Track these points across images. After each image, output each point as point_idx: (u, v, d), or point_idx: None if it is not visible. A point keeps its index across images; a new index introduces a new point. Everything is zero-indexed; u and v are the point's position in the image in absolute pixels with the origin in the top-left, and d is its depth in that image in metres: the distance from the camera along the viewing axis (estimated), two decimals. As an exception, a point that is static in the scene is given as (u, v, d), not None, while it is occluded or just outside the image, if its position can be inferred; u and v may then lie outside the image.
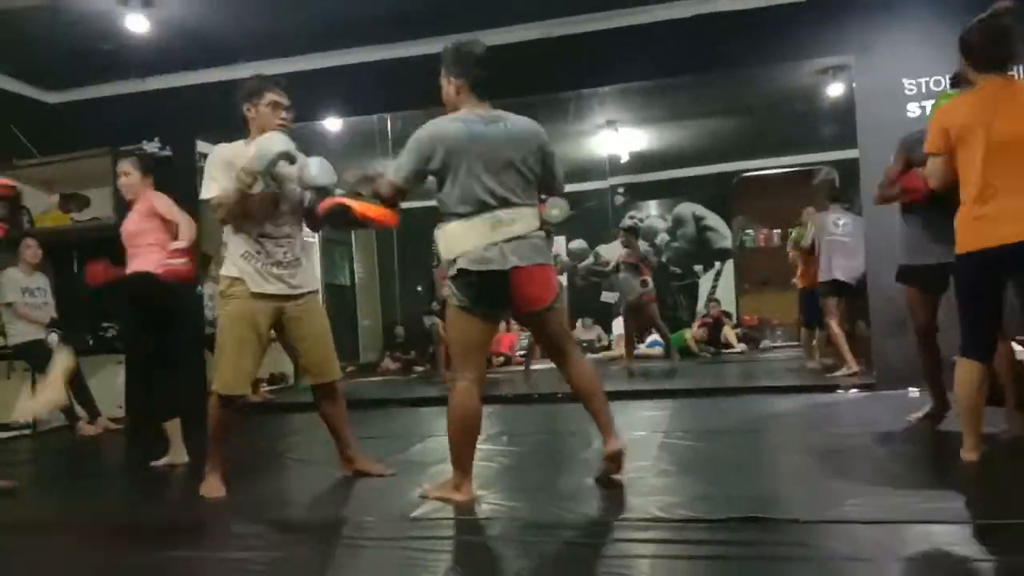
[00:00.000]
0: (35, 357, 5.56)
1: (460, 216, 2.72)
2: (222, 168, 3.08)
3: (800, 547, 2.16)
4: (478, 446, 4.02)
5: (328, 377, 3.34)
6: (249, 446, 4.45)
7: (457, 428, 2.78)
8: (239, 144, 3.18)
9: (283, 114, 3.18)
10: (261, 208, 3.12)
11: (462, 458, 2.80)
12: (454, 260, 2.72)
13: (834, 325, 5.99)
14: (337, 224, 3.15)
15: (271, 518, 2.86)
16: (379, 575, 2.25)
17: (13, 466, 4.66)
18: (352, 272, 10.80)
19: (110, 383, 6.17)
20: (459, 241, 2.72)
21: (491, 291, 2.71)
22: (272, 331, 3.27)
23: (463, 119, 2.75)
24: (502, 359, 9.43)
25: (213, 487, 3.20)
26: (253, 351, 3.16)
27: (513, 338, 9.43)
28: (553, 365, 3.04)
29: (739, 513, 2.41)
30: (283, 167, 2.99)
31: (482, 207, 2.70)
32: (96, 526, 2.96)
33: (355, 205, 2.87)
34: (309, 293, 3.29)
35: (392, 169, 2.78)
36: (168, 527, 2.82)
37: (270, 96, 3.15)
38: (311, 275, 3.36)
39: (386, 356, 9.97)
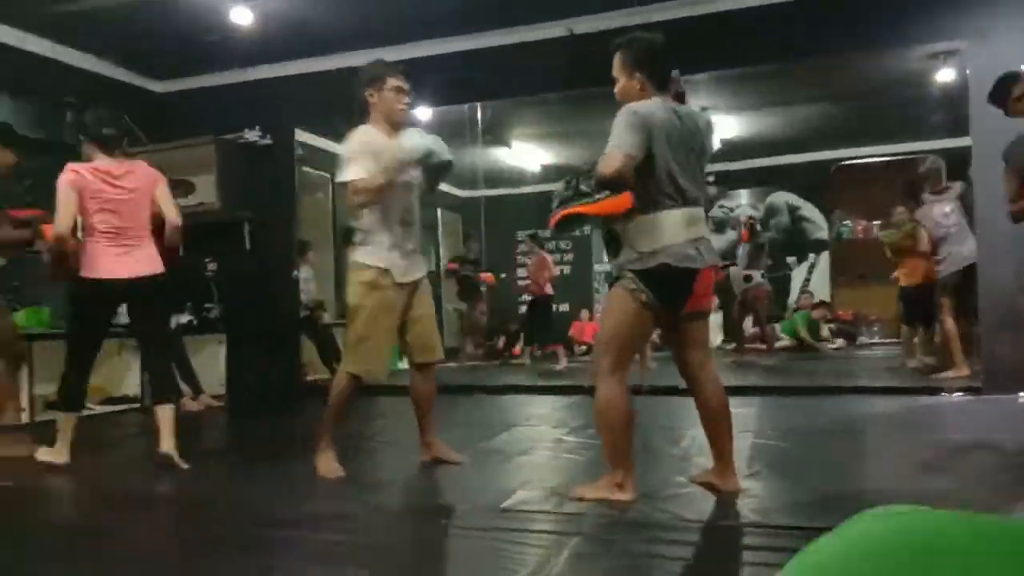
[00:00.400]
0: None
1: (659, 208, 2.62)
2: (363, 153, 3.13)
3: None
4: (566, 438, 4.09)
5: (433, 357, 3.45)
6: (342, 429, 4.57)
7: (615, 424, 2.66)
8: (370, 129, 3.23)
9: (405, 99, 3.26)
10: (399, 198, 3.22)
11: (623, 454, 2.68)
12: (653, 252, 2.60)
13: (950, 322, 5.69)
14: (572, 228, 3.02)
15: (367, 501, 2.93)
16: (469, 564, 2.28)
17: (124, 439, 4.95)
18: (438, 257, 10.94)
19: (213, 362, 6.48)
20: (659, 234, 2.61)
21: (679, 290, 2.64)
22: None
23: (664, 107, 2.65)
24: (585, 348, 9.41)
25: (331, 467, 3.26)
26: (391, 338, 3.31)
27: (598, 328, 9.38)
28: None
29: (836, 522, 2.32)
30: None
31: (681, 201, 2.64)
32: (195, 502, 3.11)
33: (585, 209, 2.72)
34: (422, 277, 3.42)
35: (609, 147, 2.56)
36: (264, 506, 2.94)
37: (393, 81, 3.23)
38: (423, 261, 3.51)
39: (467, 340, 10.07)
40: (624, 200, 2.62)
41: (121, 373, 6.15)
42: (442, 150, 3.18)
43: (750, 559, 2.17)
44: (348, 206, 3.32)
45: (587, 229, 8.71)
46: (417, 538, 2.56)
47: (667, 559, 2.19)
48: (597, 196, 2.67)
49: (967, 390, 5.09)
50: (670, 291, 2.63)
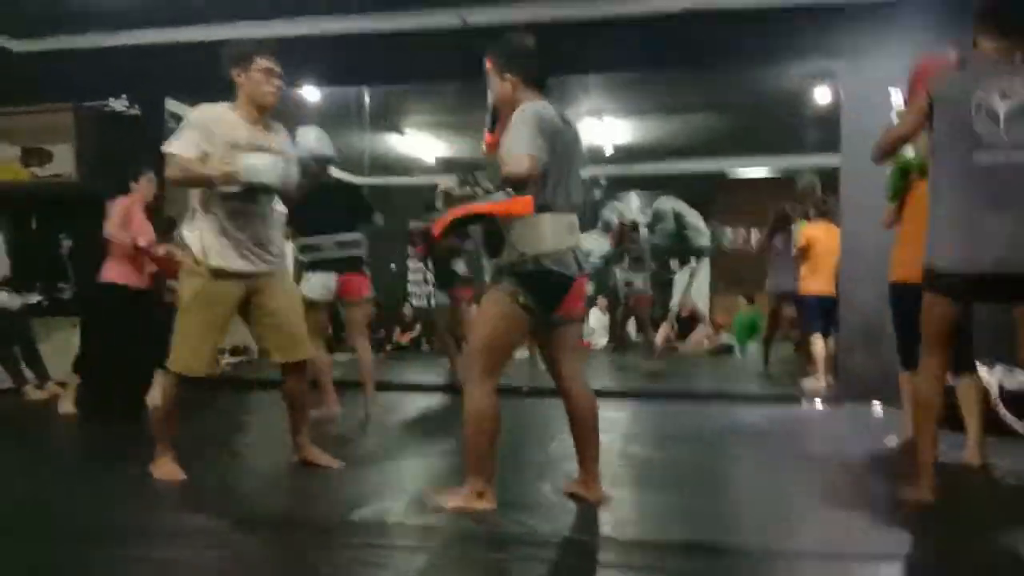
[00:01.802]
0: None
1: (547, 210, 2.54)
2: (200, 131, 2.90)
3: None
4: (428, 435, 3.98)
5: (294, 356, 3.19)
6: (201, 425, 4.30)
7: (480, 432, 2.57)
8: (225, 108, 2.99)
9: (275, 82, 3.00)
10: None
11: (486, 463, 2.60)
12: (536, 256, 2.53)
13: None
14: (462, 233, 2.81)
15: (227, 512, 2.69)
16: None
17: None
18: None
19: (64, 347, 5.99)
20: (545, 237, 2.54)
21: (556, 295, 2.58)
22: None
23: (554, 111, 2.60)
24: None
25: (169, 469, 3.05)
26: (218, 332, 3.06)
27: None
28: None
29: (691, 536, 2.33)
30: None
31: (564, 207, 2.59)
32: (22, 512, 2.80)
33: (492, 208, 2.56)
34: (276, 272, 3.14)
35: (518, 147, 2.47)
36: (108, 520, 2.67)
37: (262, 62, 2.97)
38: (281, 254, 3.21)
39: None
40: (527, 202, 2.52)
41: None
42: (317, 144, 2.99)
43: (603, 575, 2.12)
44: (168, 177, 2.99)
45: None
46: (257, 551, 2.38)
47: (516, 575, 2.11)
48: (500, 196, 2.55)
49: (827, 400, 5.31)
50: (547, 295, 2.58)
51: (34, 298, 5.71)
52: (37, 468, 3.51)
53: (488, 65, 2.71)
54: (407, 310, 10.21)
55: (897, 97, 3.62)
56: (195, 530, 2.47)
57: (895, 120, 3.43)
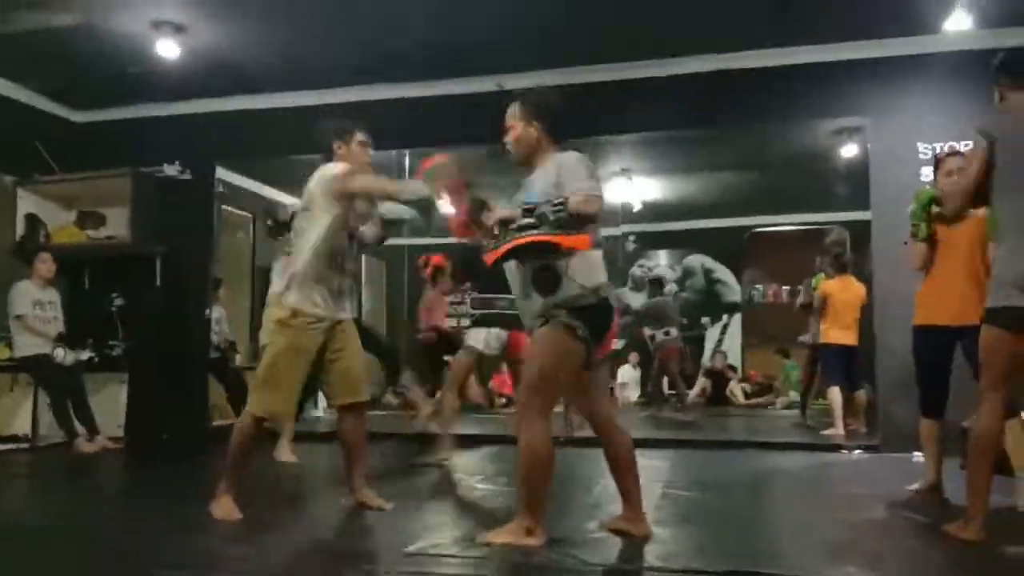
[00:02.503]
0: (40, 370, 5.58)
1: (596, 247, 2.70)
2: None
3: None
4: (475, 485, 4.05)
5: (358, 397, 3.37)
6: (254, 472, 4.40)
7: (535, 467, 2.61)
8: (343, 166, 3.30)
9: (369, 151, 3.41)
10: (341, 237, 3.25)
11: (539, 500, 2.64)
12: (595, 288, 2.65)
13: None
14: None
15: (274, 545, 2.81)
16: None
17: (8, 478, 4.65)
18: (360, 304, 10.81)
19: (112, 401, 6.17)
20: (599, 272, 2.70)
21: (606, 329, 2.72)
22: None
23: None
24: (505, 400, 9.39)
25: (228, 509, 3.16)
26: (303, 380, 3.27)
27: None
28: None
29: (737, 567, 2.37)
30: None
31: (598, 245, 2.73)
32: (88, 543, 2.92)
33: (559, 240, 2.61)
34: (348, 319, 3.38)
35: (590, 187, 2.63)
36: (164, 548, 2.79)
37: (360, 136, 3.38)
38: (351, 301, 3.50)
39: (388, 391, 9.92)
40: (587, 240, 2.64)
41: (12, 410, 5.81)
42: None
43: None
44: (341, 191, 3.21)
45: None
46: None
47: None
48: (564, 231, 2.64)
49: (867, 448, 5.29)
50: (601, 328, 2.68)
51: (86, 354, 5.92)
52: (103, 507, 3.66)
53: (515, 113, 2.83)
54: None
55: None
56: (254, 561, 2.56)
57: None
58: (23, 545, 2.88)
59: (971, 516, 2.76)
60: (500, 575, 2.40)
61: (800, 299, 6.93)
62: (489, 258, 2.75)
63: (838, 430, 5.90)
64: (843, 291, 6.13)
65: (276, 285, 3.32)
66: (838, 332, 6.05)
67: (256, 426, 3.21)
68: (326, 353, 3.29)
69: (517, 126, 2.83)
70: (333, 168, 3.26)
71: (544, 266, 2.66)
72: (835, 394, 6.04)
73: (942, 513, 3.16)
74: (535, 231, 2.64)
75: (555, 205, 2.60)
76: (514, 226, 2.71)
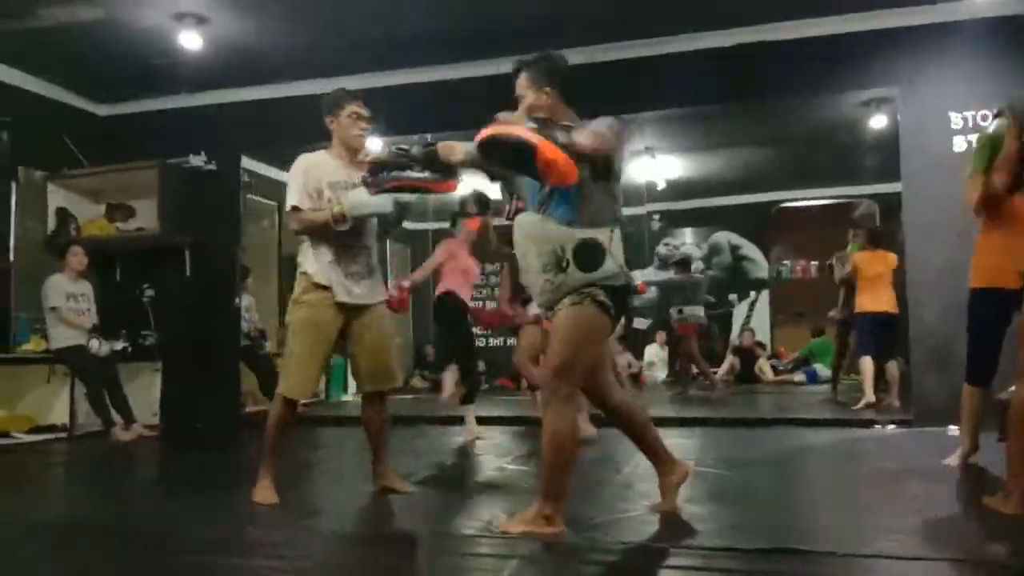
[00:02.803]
0: (76, 361, 5.68)
1: (616, 226, 2.65)
2: (304, 178, 3.20)
3: (836, 581, 2.11)
4: (502, 465, 4.07)
5: (385, 385, 3.38)
6: (284, 458, 4.47)
7: (559, 455, 2.56)
8: (322, 154, 3.30)
9: (363, 124, 3.29)
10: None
11: (561, 486, 2.59)
12: (622, 268, 2.63)
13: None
14: (504, 161, 2.67)
15: (306, 528, 2.85)
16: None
17: (47, 467, 4.75)
18: (385, 289, 10.86)
19: (147, 390, 6.28)
20: (621, 252, 2.65)
21: (628, 308, 2.71)
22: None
23: None
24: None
25: (267, 493, 3.20)
26: (322, 358, 3.25)
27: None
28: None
29: (775, 544, 2.37)
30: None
31: (615, 223, 2.68)
32: (125, 529, 2.99)
33: (540, 143, 2.45)
34: (377, 304, 3.35)
35: (597, 127, 2.56)
36: (198, 533, 2.84)
37: (351, 107, 3.27)
38: (380, 287, 3.41)
39: (415, 374, 10.00)
40: (570, 167, 2.50)
41: (50, 401, 5.93)
42: (399, 208, 3.11)
43: (688, 579, 2.18)
44: (292, 230, 3.32)
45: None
46: (350, 563, 2.50)
47: (605, 580, 2.18)
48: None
49: (900, 423, 5.24)
50: (626, 308, 2.65)
51: (120, 344, 6.02)
52: (140, 494, 3.74)
53: (524, 81, 2.74)
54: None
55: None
56: (287, 547, 2.60)
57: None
58: (60, 534, 2.95)
59: (1011, 490, 2.73)
60: (536, 553, 2.41)
61: (837, 273, 6.84)
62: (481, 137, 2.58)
63: (869, 398, 5.90)
64: (874, 262, 6.17)
65: (300, 259, 3.29)
66: (870, 300, 6.09)
67: (286, 409, 3.22)
68: (351, 338, 3.29)
69: (528, 95, 2.73)
70: (290, 183, 3.21)
71: (588, 241, 2.57)
72: (867, 364, 6.06)
73: (980, 487, 3.12)
74: (408, 173, 2.68)
75: (426, 146, 2.64)
76: (388, 170, 2.75)
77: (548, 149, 2.45)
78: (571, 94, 2.79)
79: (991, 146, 3.34)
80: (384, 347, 3.35)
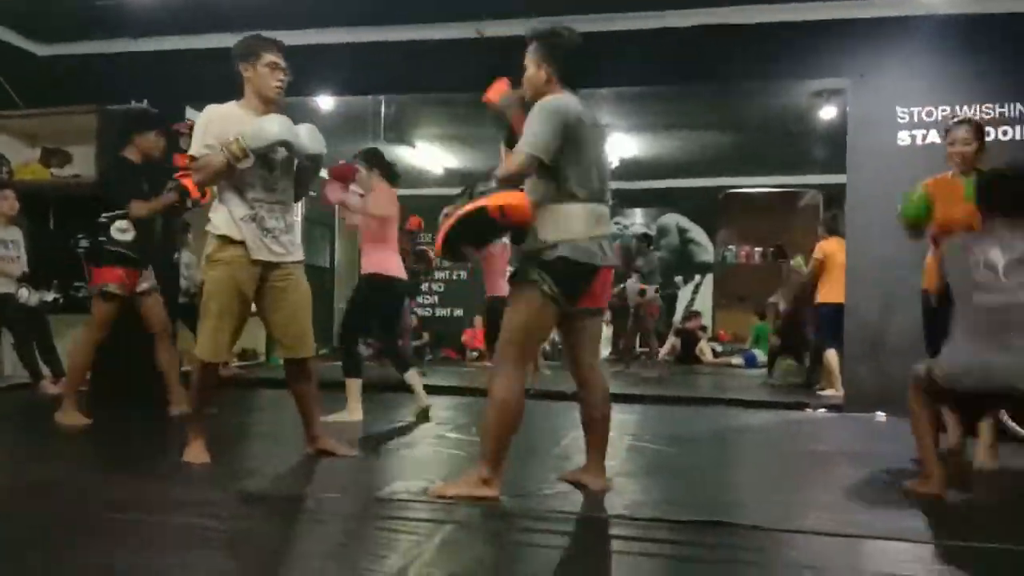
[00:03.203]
0: (3, 310, 5.46)
1: (571, 199, 2.62)
2: (209, 128, 3.02)
3: (760, 553, 2.16)
4: (443, 434, 4.06)
5: (300, 353, 3.26)
6: (217, 420, 4.38)
7: (503, 419, 2.62)
8: (232, 105, 3.13)
9: (280, 76, 3.10)
10: (256, 173, 3.05)
11: (499, 453, 2.64)
12: (555, 245, 2.60)
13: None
14: (481, 238, 2.80)
15: (236, 488, 2.80)
16: (337, 549, 2.21)
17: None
18: (332, 254, 10.71)
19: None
20: (567, 226, 2.61)
21: (580, 285, 2.64)
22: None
23: (577, 102, 2.69)
24: (476, 354, 9.41)
25: (199, 453, 3.15)
26: (238, 319, 3.12)
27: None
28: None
29: (703, 517, 2.42)
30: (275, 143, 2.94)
31: (591, 196, 2.65)
32: (48, 485, 2.89)
33: (490, 203, 2.55)
34: (294, 263, 3.21)
35: (521, 144, 2.57)
36: (123, 491, 2.76)
37: (269, 56, 3.07)
38: (297, 245, 3.27)
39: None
40: (519, 195, 2.59)
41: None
42: (309, 141, 3.05)
43: (618, 548, 2.21)
44: (195, 182, 3.25)
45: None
46: (283, 524, 2.47)
47: (538, 547, 2.20)
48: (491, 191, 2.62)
49: (831, 407, 5.39)
50: (570, 285, 2.63)
51: (50, 295, 5.79)
52: (65, 450, 3.63)
53: (530, 52, 2.75)
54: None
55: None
56: (219, 505, 2.55)
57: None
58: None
59: (928, 472, 2.85)
60: (469, 519, 2.41)
61: (808, 269, 6.74)
62: (435, 248, 2.74)
63: (838, 391, 5.78)
64: (839, 251, 6.13)
65: (211, 216, 3.12)
66: (835, 291, 5.96)
67: (205, 371, 3.11)
68: (266, 299, 3.16)
69: (528, 68, 2.75)
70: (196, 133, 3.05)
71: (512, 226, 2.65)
72: (833, 356, 5.98)
73: (905, 472, 3.22)
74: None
75: (481, 179, 2.64)
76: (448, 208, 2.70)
77: (492, 204, 2.54)
78: (571, 78, 2.75)
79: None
80: (297, 311, 3.21)
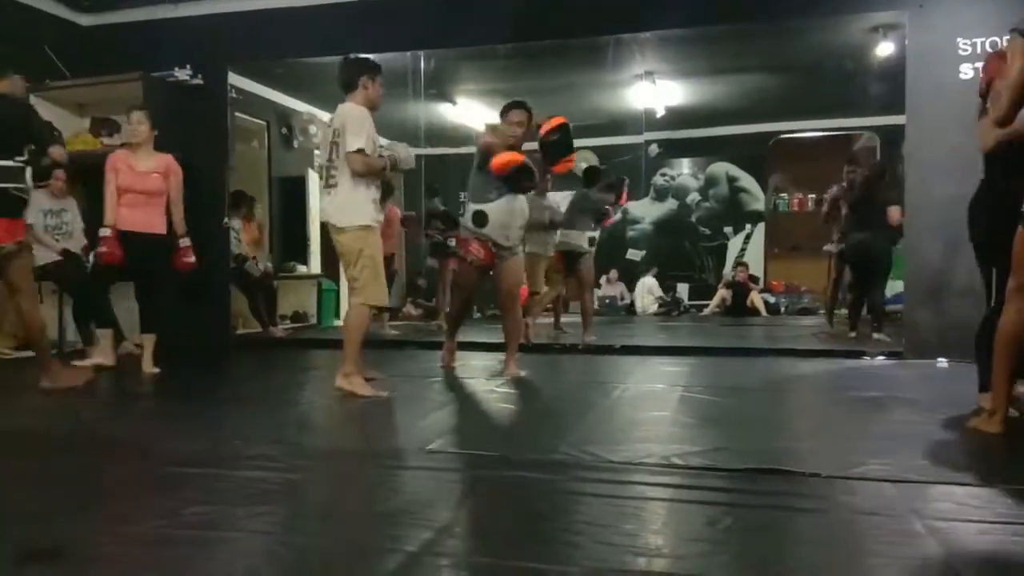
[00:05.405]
0: (58, 279, 5.62)
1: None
2: (368, 128, 3.73)
3: (820, 500, 2.11)
4: (498, 390, 4.08)
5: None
6: (270, 378, 4.48)
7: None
8: (364, 109, 3.80)
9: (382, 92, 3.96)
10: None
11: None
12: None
13: None
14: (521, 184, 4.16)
15: (289, 442, 2.85)
16: (389, 498, 2.23)
17: (34, 382, 4.73)
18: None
19: (133, 311, 6.21)
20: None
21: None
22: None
23: None
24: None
25: (360, 384, 3.72)
26: None
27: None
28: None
29: (758, 464, 2.37)
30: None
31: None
32: (109, 440, 2.98)
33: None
34: None
35: None
36: (182, 446, 2.83)
37: (380, 78, 3.90)
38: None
39: (408, 303, 9.96)
40: None
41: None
42: (408, 157, 3.99)
43: (673, 496, 2.16)
44: (355, 168, 3.73)
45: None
46: (338, 474, 2.50)
47: (592, 496, 2.17)
48: None
49: (891, 355, 5.24)
50: None
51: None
52: (126, 409, 3.73)
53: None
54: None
55: None
56: (278, 460, 2.58)
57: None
58: (43, 444, 2.94)
59: (994, 408, 2.76)
60: (520, 469, 2.40)
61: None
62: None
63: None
64: None
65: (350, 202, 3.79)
66: None
67: (368, 315, 3.85)
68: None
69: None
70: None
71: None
72: None
73: (965, 414, 3.11)
74: None
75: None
76: None
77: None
78: None
79: None
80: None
